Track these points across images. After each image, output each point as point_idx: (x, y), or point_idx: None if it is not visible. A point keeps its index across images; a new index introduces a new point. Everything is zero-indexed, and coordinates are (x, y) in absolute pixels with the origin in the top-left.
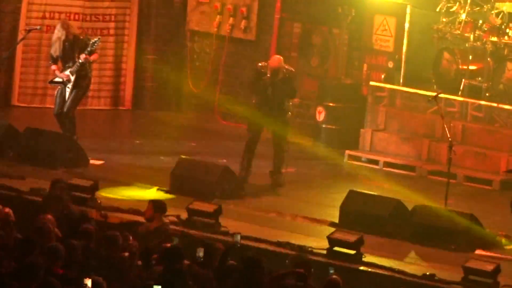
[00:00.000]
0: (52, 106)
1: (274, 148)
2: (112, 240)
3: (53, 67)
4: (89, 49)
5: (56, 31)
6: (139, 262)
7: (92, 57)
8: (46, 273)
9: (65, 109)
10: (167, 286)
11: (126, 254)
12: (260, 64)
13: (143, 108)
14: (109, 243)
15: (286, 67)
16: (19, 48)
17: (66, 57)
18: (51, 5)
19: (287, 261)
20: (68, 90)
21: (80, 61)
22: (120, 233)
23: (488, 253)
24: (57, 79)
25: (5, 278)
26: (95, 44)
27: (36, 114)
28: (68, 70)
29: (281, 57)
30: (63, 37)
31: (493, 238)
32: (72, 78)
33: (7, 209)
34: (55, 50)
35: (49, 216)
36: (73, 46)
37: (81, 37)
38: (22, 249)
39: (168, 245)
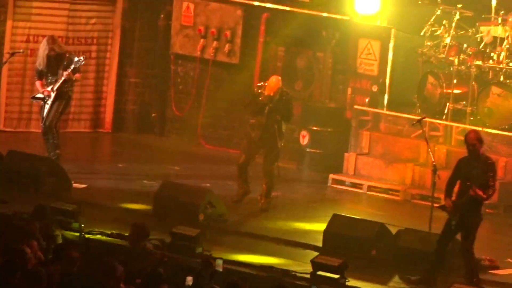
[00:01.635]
0: (38, 131)
1: (264, 173)
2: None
3: (37, 83)
4: (73, 66)
5: (41, 45)
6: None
7: (76, 76)
8: None
9: (46, 123)
10: None
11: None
12: (258, 84)
13: (123, 131)
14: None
15: (284, 89)
16: (4, 72)
17: (49, 72)
18: (35, 28)
19: None
20: (47, 107)
21: (63, 77)
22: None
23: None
24: (38, 95)
25: None
26: (80, 62)
27: (22, 138)
28: (50, 86)
29: (280, 78)
30: (47, 52)
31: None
32: (53, 94)
33: None
34: (39, 63)
35: (33, 241)
36: (57, 62)
37: (66, 55)
38: (3, 272)
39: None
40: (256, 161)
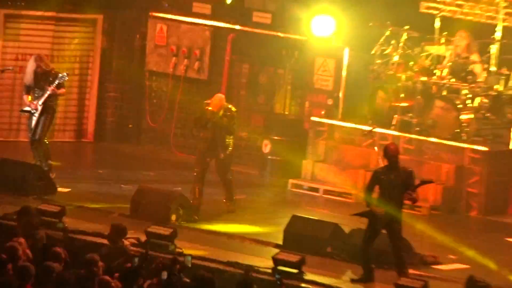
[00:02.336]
0: (26, 140)
1: (220, 178)
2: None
3: (25, 97)
4: (57, 81)
5: (30, 62)
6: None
7: (60, 91)
8: None
9: (36, 137)
10: None
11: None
12: (206, 101)
13: (104, 140)
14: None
15: (229, 106)
16: None
17: (36, 87)
18: (23, 48)
19: None
20: (34, 119)
21: (48, 92)
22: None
23: (418, 272)
24: (26, 108)
25: None
26: (63, 78)
27: (12, 147)
28: (37, 100)
29: (223, 96)
30: (35, 69)
31: (420, 258)
32: (39, 107)
33: None
34: (27, 79)
35: (21, 239)
36: (44, 78)
37: (52, 71)
38: None
39: (129, 265)
40: None
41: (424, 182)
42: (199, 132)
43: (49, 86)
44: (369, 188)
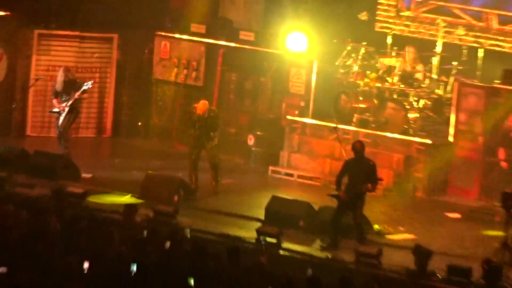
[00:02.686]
0: (54, 135)
1: (209, 165)
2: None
3: (54, 101)
4: (83, 88)
5: (60, 72)
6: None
7: (83, 96)
8: (48, 258)
9: (61, 129)
10: (139, 264)
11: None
12: (193, 105)
13: (119, 136)
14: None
15: (212, 108)
16: (31, 93)
17: (64, 93)
18: (53, 61)
19: None
20: (61, 118)
21: (75, 97)
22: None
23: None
24: (55, 109)
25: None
26: (88, 85)
27: (44, 141)
28: (64, 103)
29: (207, 102)
30: (64, 78)
31: (378, 230)
32: (67, 109)
33: (21, 210)
34: (57, 87)
35: (51, 216)
36: (70, 85)
37: (78, 80)
38: (30, 240)
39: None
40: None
41: (378, 180)
42: (189, 130)
43: (76, 92)
44: (340, 175)
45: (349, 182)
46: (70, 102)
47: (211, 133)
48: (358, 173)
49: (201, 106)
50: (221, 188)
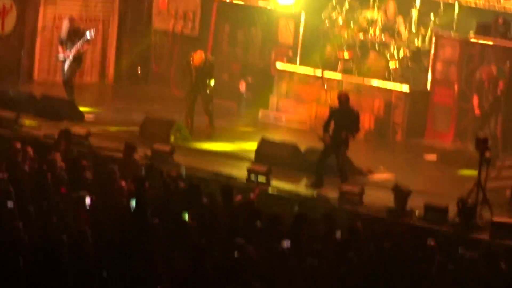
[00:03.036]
0: (60, 80)
1: (204, 111)
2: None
3: (60, 48)
4: (86, 38)
5: (65, 22)
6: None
7: (85, 45)
8: (55, 192)
9: (67, 76)
10: (138, 199)
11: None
12: (190, 55)
13: (121, 81)
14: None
15: (208, 58)
16: (38, 40)
17: (68, 41)
18: (59, 10)
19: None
20: (66, 65)
21: (79, 47)
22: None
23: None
24: (60, 56)
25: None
26: (91, 34)
27: (50, 85)
28: (69, 50)
29: (203, 53)
30: (68, 27)
31: (358, 170)
32: (71, 57)
33: (29, 148)
34: (63, 35)
35: (57, 153)
36: (74, 34)
37: (81, 30)
38: (38, 177)
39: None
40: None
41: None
42: (187, 78)
43: (79, 40)
44: (327, 122)
45: (334, 129)
46: (74, 50)
47: (207, 81)
48: (342, 121)
49: (198, 57)
50: (214, 131)
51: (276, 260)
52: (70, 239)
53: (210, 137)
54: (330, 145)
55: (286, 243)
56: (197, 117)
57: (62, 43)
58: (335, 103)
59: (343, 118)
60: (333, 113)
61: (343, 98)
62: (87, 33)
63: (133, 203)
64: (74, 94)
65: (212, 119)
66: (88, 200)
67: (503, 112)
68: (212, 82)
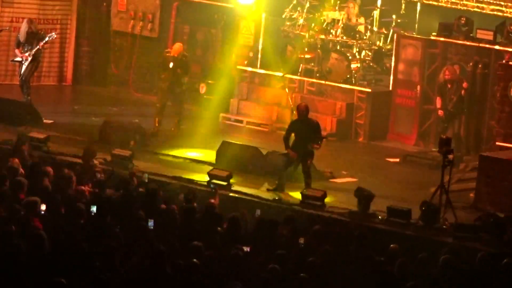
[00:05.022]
0: (17, 83)
1: (175, 112)
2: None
3: (16, 50)
4: (46, 39)
5: (23, 24)
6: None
7: (45, 46)
8: (13, 199)
9: (23, 78)
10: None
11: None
12: (166, 50)
13: (79, 84)
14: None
15: (184, 52)
16: None
17: (26, 43)
18: (17, 12)
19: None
20: (24, 67)
21: (38, 47)
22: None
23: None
24: (17, 59)
25: None
26: (52, 37)
27: (7, 89)
28: (27, 52)
29: (182, 44)
30: (27, 30)
31: (321, 174)
32: (29, 58)
33: None
34: (21, 37)
35: (15, 159)
36: (32, 36)
37: (40, 32)
38: None
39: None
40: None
41: (322, 138)
42: (162, 74)
43: (38, 42)
44: (287, 135)
45: (296, 141)
46: (33, 52)
47: (181, 78)
48: (304, 132)
49: (177, 47)
50: (181, 132)
51: (236, 265)
52: (27, 245)
53: (170, 140)
54: (291, 160)
55: (246, 248)
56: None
57: (19, 45)
58: (296, 104)
59: (304, 129)
60: (293, 125)
61: (303, 110)
62: (48, 36)
63: (93, 208)
64: (30, 96)
65: (181, 121)
66: (43, 206)
67: (466, 113)
68: (186, 80)
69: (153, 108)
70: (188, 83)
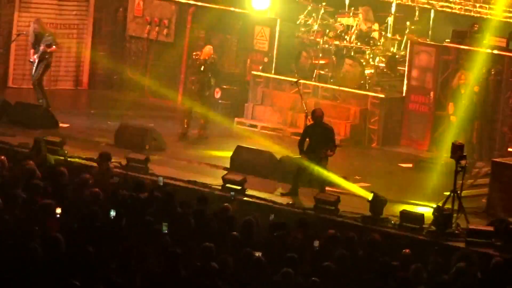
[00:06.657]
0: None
1: (200, 114)
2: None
3: (31, 51)
4: (47, 43)
5: (31, 25)
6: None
7: (50, 49)
8: (29, 201)
9: (32, 80)
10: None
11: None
12: (194, 53)
13: (95, 88)
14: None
15: (213, 56)
16: (13, 46)
17: (36, 44)
18: (34, 17)
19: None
20: (34, 68)
21: (41, 50)
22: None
23: (333, 189)
24: (31, 60)
25: None
26: (49, 40)
27: (24, 93)
28: (36, 54)
29: (212, 47)
30: (33, 30)
31: (335, 179)
32: (37, 60)
33: (2, 157)
34: (30, 38)
35: (32, 162)
36: (39, 38)
37: (46, 34)
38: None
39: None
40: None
41: (336, 145)
42: (195, 75)
43: (42, 45)
44: (301, 140)
45: (310, 146)
46: (38, 54)
47: (211, 81)
48: (318, 138)
49: (207, 50)
50: (190, 138)
51: (250, 268)
52: (43, 246)
53: (198, 141)
54: (306, 166)
55: (257, 253)
56: (167, 122)
57: (32, 46)
58: (311, 110)
59: (318, 135)
60: (307, 130)
61: (319, 115)
62: (45, 38)
63: (112, 213)
64: (46, 99)
65: (207, 123)
66: (58, 209)
67: (479, 119)
68: (213, 83)
69: (168, 112)
70: (214, 85)
